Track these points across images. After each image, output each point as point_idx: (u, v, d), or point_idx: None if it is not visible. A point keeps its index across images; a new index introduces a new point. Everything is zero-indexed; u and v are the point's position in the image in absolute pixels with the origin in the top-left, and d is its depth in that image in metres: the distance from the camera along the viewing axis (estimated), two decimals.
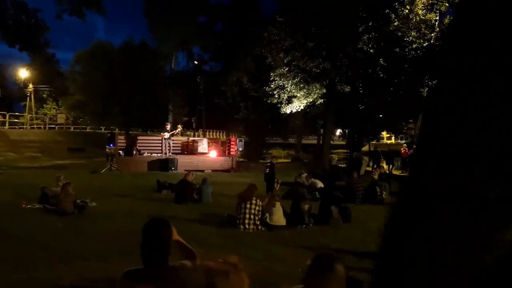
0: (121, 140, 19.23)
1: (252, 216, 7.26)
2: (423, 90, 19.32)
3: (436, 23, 19.05)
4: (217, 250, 5.91)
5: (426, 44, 18.47)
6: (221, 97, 28.11)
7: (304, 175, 12.81)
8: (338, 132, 45.85)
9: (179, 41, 31.68)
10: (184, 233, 7.14)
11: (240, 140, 20.21)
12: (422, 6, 17.72)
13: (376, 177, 10.88)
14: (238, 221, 7.28)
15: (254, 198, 7.45)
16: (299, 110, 17.48)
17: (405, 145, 18.52)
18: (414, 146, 24.22)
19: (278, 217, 7.40)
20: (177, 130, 20.42)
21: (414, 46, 17.96)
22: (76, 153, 27.46)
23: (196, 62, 37.41)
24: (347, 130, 21.57)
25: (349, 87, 16.76)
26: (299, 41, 16.07)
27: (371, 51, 16.06)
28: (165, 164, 18.47)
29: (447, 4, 18.29)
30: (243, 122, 26.68)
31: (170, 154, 19.72)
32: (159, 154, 19.77)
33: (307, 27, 15.76)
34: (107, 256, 5.56)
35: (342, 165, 21.27)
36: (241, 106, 26.57)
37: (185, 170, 12.70)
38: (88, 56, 32.17)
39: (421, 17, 17.61)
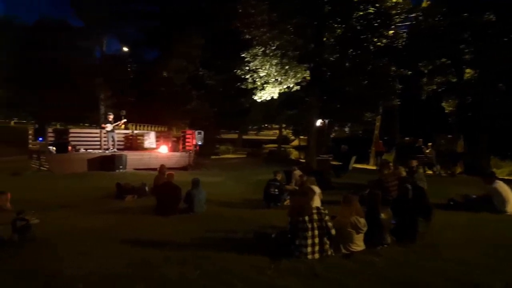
0: (49, 134, 15.21)
1: (317, 238, 4.70)
2: (392, 80, 18.43)
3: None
4: None
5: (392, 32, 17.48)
6: (164, 85, 24.48)
7: (298, 171, 10.71)
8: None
9: (108, 20, 27.37)
10: (229, 274, 4.32)
11: (200, 133, 17.35)
12: None
13: (404, 173, 9.16)
14: (298, 248, 4.69)
15: (315, 209, 4.91)
16: (275, 97, 15.29)
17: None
18: (375, 140, 23.64)
19: (359, 244, 5.07)
20: (121, 122, 16.86)
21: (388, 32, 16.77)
22: None
23: (125, 48, 32.89)
24: (327, 121, 19.93)
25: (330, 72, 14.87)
26: (283, 16, 13.78)
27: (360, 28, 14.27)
28: (110, 162, 14.98)
29: None
30: (191, 114, 23.52)
31: (115, 150, 16.25)
32: (99, 151, 16.20)
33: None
34: None
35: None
36: (193, 95, 23.36)
37: (163, 169, 9.79)
38: None
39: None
